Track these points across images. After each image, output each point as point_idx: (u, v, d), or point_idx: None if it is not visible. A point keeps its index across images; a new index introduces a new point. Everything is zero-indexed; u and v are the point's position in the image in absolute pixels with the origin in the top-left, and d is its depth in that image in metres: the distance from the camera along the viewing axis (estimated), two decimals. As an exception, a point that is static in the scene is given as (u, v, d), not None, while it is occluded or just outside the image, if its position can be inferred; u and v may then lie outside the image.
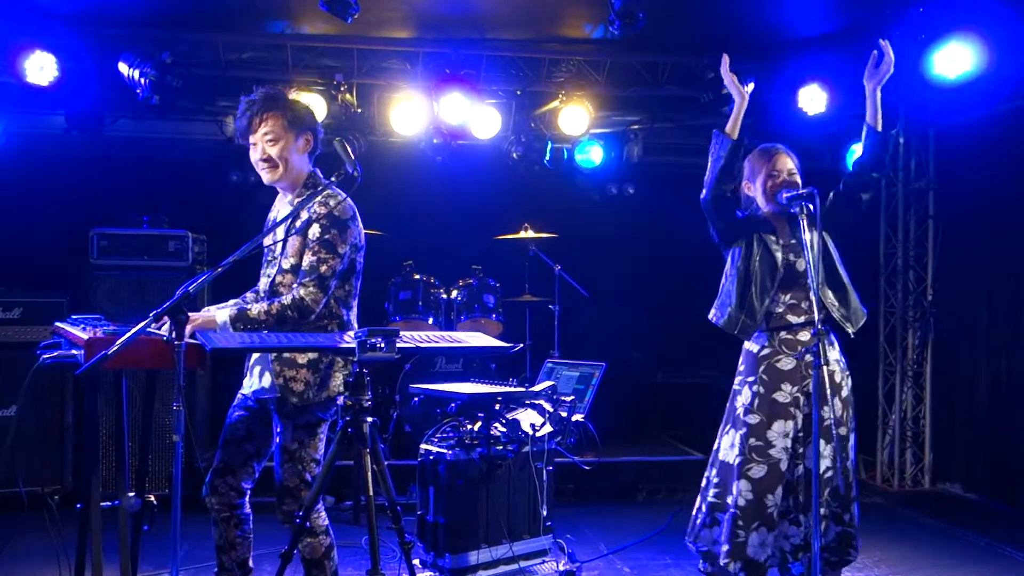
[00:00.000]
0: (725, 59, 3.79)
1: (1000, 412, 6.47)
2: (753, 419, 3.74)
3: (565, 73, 6.50)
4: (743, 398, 3.81)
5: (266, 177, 3.36)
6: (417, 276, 6.99)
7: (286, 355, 3.22)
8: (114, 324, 3.29)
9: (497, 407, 4.37)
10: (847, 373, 3.82)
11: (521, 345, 6.81)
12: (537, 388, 4.50)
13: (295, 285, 3.22)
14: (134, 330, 2.73)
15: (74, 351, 3.09)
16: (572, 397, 4.49)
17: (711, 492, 3.81)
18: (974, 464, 6.75)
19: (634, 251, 7.98)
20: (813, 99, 6.15)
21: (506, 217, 7.16)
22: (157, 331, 2.95)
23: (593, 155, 7.44)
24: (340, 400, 2.97)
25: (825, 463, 3.63)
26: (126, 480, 3.38)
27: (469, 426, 4.41)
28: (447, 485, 4.24)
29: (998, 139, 6.32)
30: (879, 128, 3.75)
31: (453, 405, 4.30)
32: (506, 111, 6.77)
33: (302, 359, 3.24)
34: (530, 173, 7.17)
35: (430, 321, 6.91)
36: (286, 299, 3.18)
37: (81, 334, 3.06)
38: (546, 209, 7.39)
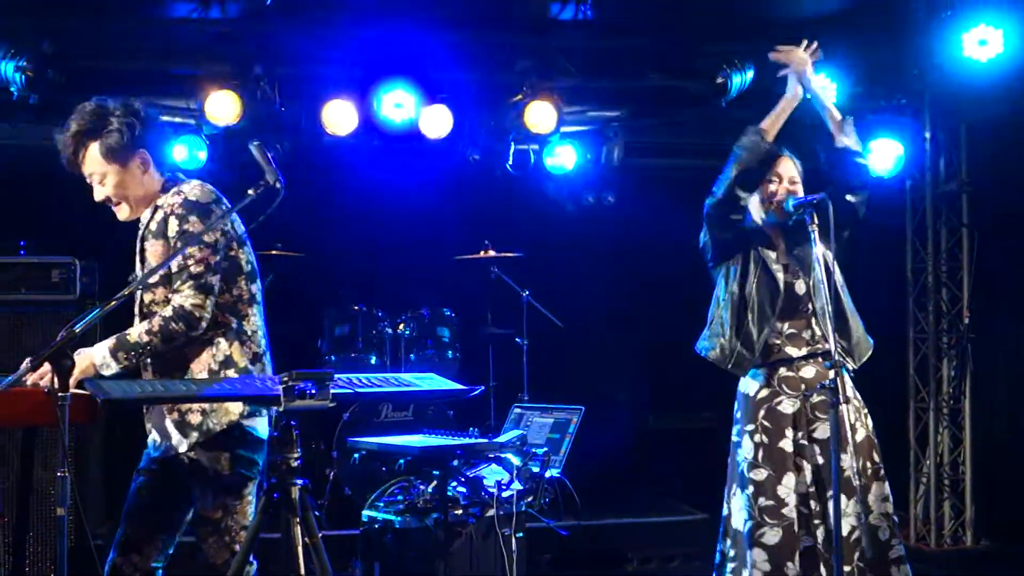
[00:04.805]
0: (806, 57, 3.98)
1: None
2: (759, 474, 3.76)
3: (529, 61, 6.53)
4: (744, 451, 3.83)
5: (120, 217, 3.38)
6: (356, 307, 6.96)
7: None
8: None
9: (455, 462, 4.35)
10: (865, 411, 3.86)
11: (483, 387, 6.78)
12: (503, 439, 4.49)
13: (170, 295, 3.19)
14: (6, 381, 2.68)
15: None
16: (545, 449, 4.48)
17: (728, 568, 3.83)
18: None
19: (617, 271, 8.00)
20: (823, 89, 6.24)
21: (463, 234, 7.16)
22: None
23: (565, 158, 7.46)
24: (247, 422, 2.92)
25: (850, 522, 3.64)
26: None
27: (421, 487, 4.38)
28: (396, 559, 4.21)
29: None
30: (838, 118, 4.04)
31: (402, 461, 4.28)
32: (459, 107, 6.78)
33: None
34: (490, 180, 7.18)
35: (372, 360, 6.87)
36: (166, 311, 3.14)
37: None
38: (510, 223, 7.40)
